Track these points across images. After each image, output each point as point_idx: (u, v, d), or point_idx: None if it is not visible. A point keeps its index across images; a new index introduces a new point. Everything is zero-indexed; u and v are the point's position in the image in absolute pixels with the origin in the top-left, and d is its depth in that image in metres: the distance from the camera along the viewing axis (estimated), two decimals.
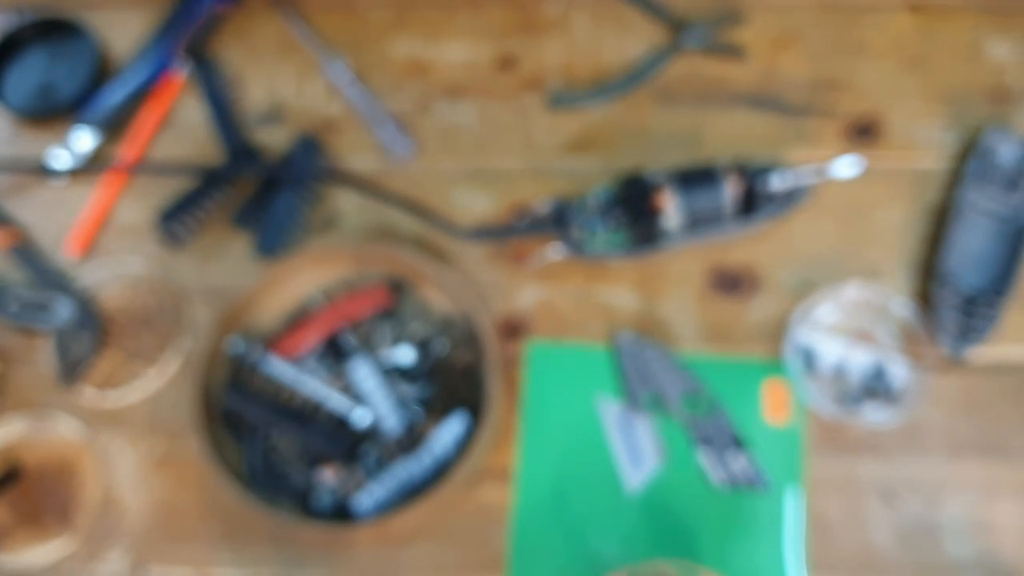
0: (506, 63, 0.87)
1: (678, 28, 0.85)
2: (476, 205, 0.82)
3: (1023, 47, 0.84)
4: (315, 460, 0.73)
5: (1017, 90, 0.83)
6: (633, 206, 0.75)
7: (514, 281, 0.79)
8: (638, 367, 0.75)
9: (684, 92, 0.85)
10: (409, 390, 0.74)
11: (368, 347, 0.75)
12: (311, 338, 0.75)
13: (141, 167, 0.84)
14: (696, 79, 0.85)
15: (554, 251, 0.78)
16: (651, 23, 0.88)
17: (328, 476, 0.72)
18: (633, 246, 0.77)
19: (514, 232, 0.78)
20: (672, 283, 0.78)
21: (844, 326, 0.76)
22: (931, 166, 0.81)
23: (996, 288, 0.74)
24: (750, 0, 0.87)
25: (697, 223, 0.76)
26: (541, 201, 0.80)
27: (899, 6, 0.86)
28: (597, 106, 0.84)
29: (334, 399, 0.73)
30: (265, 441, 0.74)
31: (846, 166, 0.78)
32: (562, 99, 0.84)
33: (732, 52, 0.85)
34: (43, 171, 0.84)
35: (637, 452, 0.73)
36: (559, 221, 0.77)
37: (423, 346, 0.76)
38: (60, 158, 0.84)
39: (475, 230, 0.77)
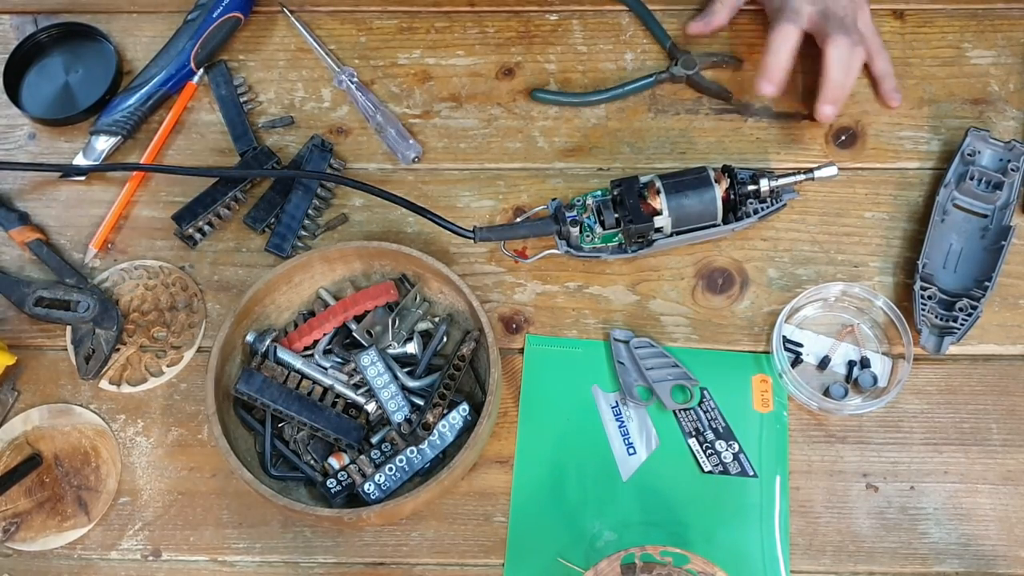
0: (507, 70, 0.89)
1: (674, 56, 0.87)
2: (479, 205, 0.84)
3: (1005, 53, 0.86)
4: (325, 449, 0.74)
5: (999, 95, 0.85)
6: (628, 207, 0.77)
7: (514, 278, 0.81)
8: (632, 360, 0.77)
9: (676, 99, 0.87)
10: (414, 381, 0.76)
11: (375, 340, 0.76)
12: (321, 331, 0.76)
13: (157, 169, 0.85)
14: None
15: (553, 249, 0.80)
16: (647, 36, 0.89)
17: (337, 464, 0.73)
18: (628, 245, 0.79)
19: (516, 232, 0.80)
20: (664, 281, 0.80)
21: (829, 322, 0.78)
22: (914, 168, 0.83)
23: (977, 286, 0.76)
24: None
25: (688, 224, 0.78)
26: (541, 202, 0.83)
27: (883, 13, 0.88)
28: (575, 107, 0.86)
29: (343, 390, 0.75)
30: (277, 430, 0.75)
31: (831, 169, 0.80)
32: (542, 94, 0.85)
33: (720, 94, 0.86)
34: (64, 173, 0.86)
35: (631, 441, 0.75)
36: (558, 221, 0.79)
37: (427, 339, 0.78)
38: (77, 159, 0.86)
39: (480, 230, 0.79)
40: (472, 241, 0.79)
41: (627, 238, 0.78)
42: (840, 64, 0.79)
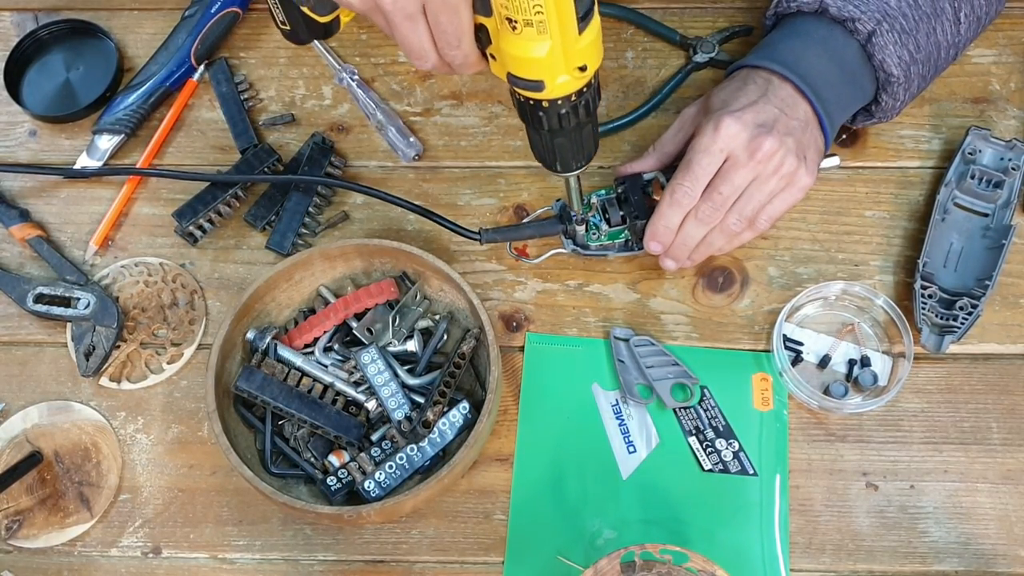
0: None
1: (688, 47, 0.87)
2: (480, 203, 0.84)
3: (1006, 52, 0.86)
4: (325, 446, 0.74)
5: (1000, 94, 0.85)
6: (633, 204, 0.77)
7: (514, 276, 0.81)
8: (632, 359, 0.77)
9: (678, 97, 0.86)
10: (414, 379, 0.76)
11: (375, 338, 0.76)
12: (321, 329, 0.77)
13: (158, 169, 0.85)
14: (689, 85, 0.87)
15: (559, 249, 0.80)
16: (647, 34, 0.89)
17: (337, 462, 0.73)
18: (635, 242, 0.79)
19: (523, 232, 0.80)
20: (665, 279, 0.80)
21: (829, 321, 0.78)
22: (915, 167, 0.83)
23: (978, 285, 0.76)
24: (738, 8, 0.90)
25: None
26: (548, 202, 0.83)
27: None
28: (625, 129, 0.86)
29: (343, 387, 0.75)
30: (277, 428, 0.75)
31: (832, 159, 0.80)
32: None
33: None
34: (65, 173, 0.86)
35: (631, 439, 0.75)
36: (564, 220, 0.79)
37: (427, 337, 0.78)
38: (80, 158, 0.86)
39: (486, 231, 0.79)
40: (479, 243, 0.79)
41: (634, 235, 0.78)
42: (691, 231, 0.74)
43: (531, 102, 0.62)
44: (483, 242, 0.79)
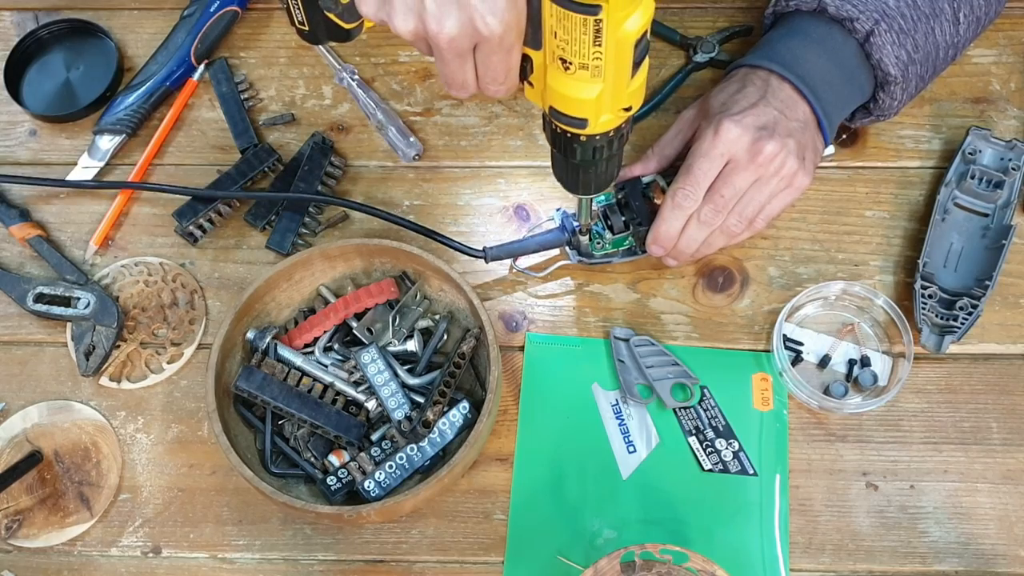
0: None
1: (688, 47, 0.87)
2: (480, 203, 0.84)
3: (1006, 52, 0.87)
4: (325, 446, 0.74)
5: (1000, 94, 0.85)
6: (635, 210, 0.77)
7: (514, 275, 0.81)
8: (632, 358, 0.77)
9: (678, 97, 0.86)
10: (414, 379, 0.76)
11: (375, 337, 0.76)
12: (321, 329, 0.77)
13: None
14: (689, 85, 0.87)
15: (565, 261, 0.80)
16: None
17: (337, 462, 0.73)
18: (638, 248, 0.79)
19: (526, 246, 0.79)
20: (665, 279, 0.80)
21: (829, 321, 0.78)
22: (915, 167, 0.83)
23: (978, 285, 0.76)
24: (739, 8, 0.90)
25: None
26: (548, 214, 0.82)
27: None
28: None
29: (343, 387, 0.75)
30: (277, 427, 0.75)
31: (827, 148, 0.79)
32: None
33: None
34: (60, 184, 0.85)
35: (631, 439, 0.75)
36: (567, 230, 0.78)
37: (427, 337, 0.78)
38: (82, 159, 0.86)
39: (490, 249, 0.78)
40: (485, 261, 0.79)
41: (637, 240, 0.78)
42: (692, 236, 0.74)
43: (568, 134, 0.61)
44: (488, 260, 0.78)
